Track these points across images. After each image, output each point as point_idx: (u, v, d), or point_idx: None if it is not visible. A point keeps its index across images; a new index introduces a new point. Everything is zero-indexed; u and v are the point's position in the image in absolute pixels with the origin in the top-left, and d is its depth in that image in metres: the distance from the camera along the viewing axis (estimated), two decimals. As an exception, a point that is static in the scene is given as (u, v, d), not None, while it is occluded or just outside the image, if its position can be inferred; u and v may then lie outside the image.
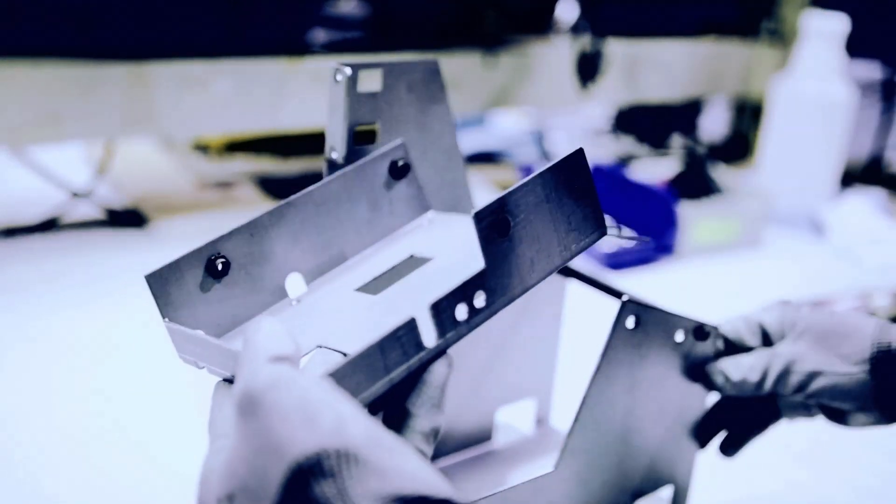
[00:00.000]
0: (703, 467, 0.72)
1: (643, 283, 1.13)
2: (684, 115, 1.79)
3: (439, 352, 0.46)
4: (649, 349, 0.61)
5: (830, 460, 0.80)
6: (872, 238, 1.33)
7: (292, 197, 0.57)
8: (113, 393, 0.84)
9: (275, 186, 1.43)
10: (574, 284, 0.73)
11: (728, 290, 1.18)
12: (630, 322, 0.59)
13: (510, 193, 0.47)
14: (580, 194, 0.50)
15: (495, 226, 0.46)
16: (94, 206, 1.27)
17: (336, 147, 0.60)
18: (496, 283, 0.47)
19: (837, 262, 1.29)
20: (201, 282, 0.53)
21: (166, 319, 0.52)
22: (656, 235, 1.23)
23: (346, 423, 0.37)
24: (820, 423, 0.65)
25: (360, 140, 0.61)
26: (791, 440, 0.81)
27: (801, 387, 0.61)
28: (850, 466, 0.79)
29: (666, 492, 0.68)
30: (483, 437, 0.77)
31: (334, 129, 0.59)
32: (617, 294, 0.65)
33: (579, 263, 0.73)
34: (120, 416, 0.81)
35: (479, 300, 0.47)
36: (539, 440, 0.78)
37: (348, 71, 0.57)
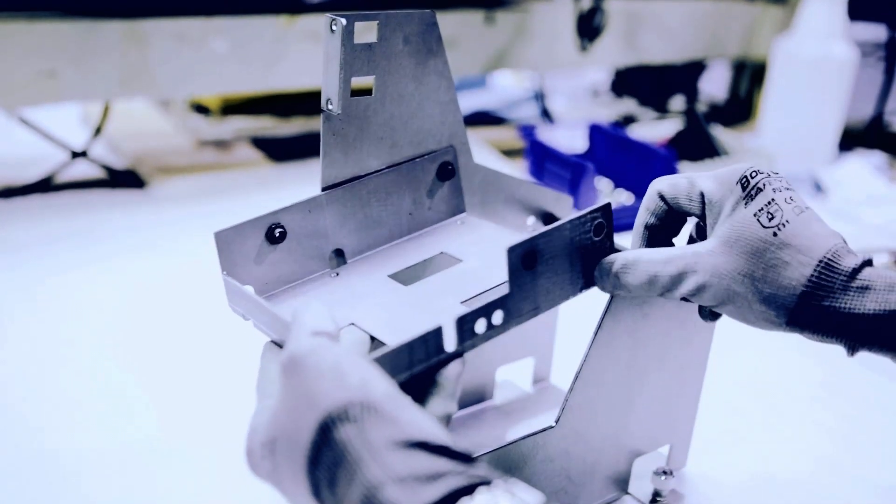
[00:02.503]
0: (730, 444, 0.72)
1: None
2: (685, 76, 1.78)
3: (456, 355, 0.52)
4: (651, 307, 0.61)
5: (857, 436, 0.80)
6: (872, 198, 1.32)
7: (349, 182, 0.63)
8: (113, 352, 0.84)
9: (273, 146, 1.43)
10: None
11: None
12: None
13: (542, 235, 0.53)
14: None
15: (524, 259, 0.53)
16: (93, 166, 1.26)
17: (332, 99, 0.59)
18: (514, 306, 0.54)
19: (837, 222, 1.29)
20: (260, 245, 0.60)
21: (224, 273, 0.58)
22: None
23: (369, 382, 0.44)
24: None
25: (356, 93, 0.60)
26: (820, 416, 0.81)
27: (702, 307, 0.57)
28: (875, 445, 0.79)
29: (665, 450, 0.69)
30: (484, 395, 0.77)
31: (330, 81, 0.59)
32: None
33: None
34: (121, 375, 0.81)
35: (497, 318, 0.54)
36: (539, 397, 0.78)
37: (343, 21, 0.57)
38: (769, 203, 0.52)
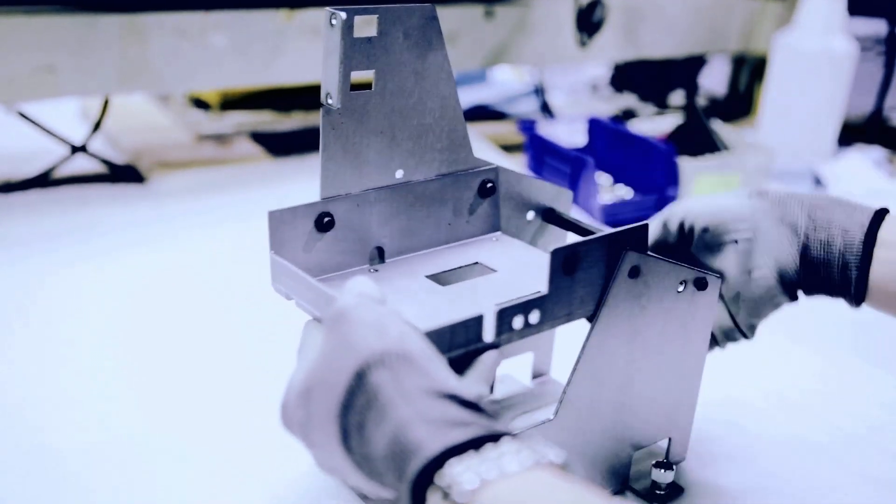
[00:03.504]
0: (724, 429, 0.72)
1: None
2: (685, 71, 1.78)
3: (492, 346, 0.55)
4: (649, 300, 0.61)
5: (856, 430, 0.80)
6: (871, 193, 1.32)
7: (398, 183, 0.66)
8: (113, 347, 0.84)
9: (272, 141, 1.43)
10: (573, 237, 0.73)
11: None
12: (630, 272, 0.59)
13: (584, 243, 0.57)
14: None
15: (566, 264, 0.56)
16: (92, 161, 1.26)
17: (332, 93, 0.59)
18: (550, 308, 0.57)
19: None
20: (308, 232, 0.62)
21: (272, 252, 0.60)
22: (656, 190, 1.23)
23: (406, 337, 0.47)
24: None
25: (356, 87, 0.60)
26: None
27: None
28: (873, 438, 0.79)
29: (664, 443, 0.69)
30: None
31: (330, 74, 0.59)
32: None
33: (578, 217, 0.73)
34: (120, 371, 0.81)
35: (534, 317, 0.56)
36: (539, 392, 0.78)
37: (343, 15, 0.56)
38: None
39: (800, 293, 0.64)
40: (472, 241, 0.71)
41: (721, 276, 0.64)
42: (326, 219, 0.62)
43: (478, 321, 0.54)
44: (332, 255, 0.64)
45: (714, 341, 0.67)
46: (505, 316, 0.54)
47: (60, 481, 0.65)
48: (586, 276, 0.58)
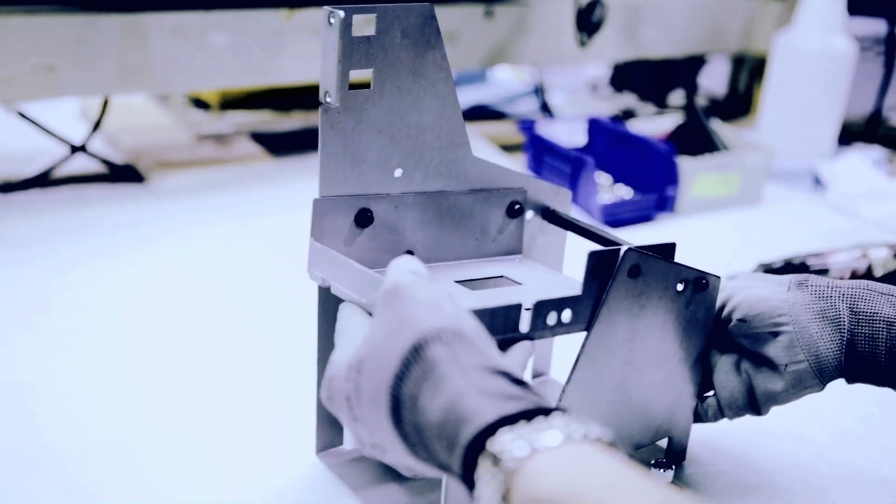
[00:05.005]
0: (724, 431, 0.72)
1: (642, 239, 1.13)
2: (685, 70, 1.78)
3: (524, 338, 0.57)
4: (649, 299, 0.61)
5: (857, 430, 0.80)
6: (871, 193, 1.32)
7: (434, 191, 0.67)
8: (113, 346, 0.84)
9: (272, 141, 1.43)
10: (573, 237, 0.73)
11: (728, 245, 1.17)
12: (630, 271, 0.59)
13: (653, 256, 0.60)
14: None
15: (633, 270, 0.59)
16: (92, 161, 1.26)
17: (330, 92, 0.59)
18: (582, 310, 0.59)
19: (837, 216, 1.29)
20: (349, 224, 0.63)
21: (313, 239, 0.62)
22: (656, 189, 1.23)
23: (462, 315, 0.49)
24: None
25: (354, 86, 0.60)
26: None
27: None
28: (874, 438, 0.79)
29: (664, 444, 0.69)
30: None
31: (328, 73, 0.59)
32: (616, 245, 0.65)
33: (578, 216, 0.73)
34: (121, 370, 0.81)
35: (566, 316, 0.59)
36: (538, 392, 0.78)
37: (342, 14, 0.56)
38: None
39: (840, 381, 0.65)
40: (496, 260, 0.72)
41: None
42: (367, 214, 0.64)
43: (517, 309, 0.56)
44: (368, 252, 0.65)
45: (720, 411, 0.67)
46: (541, 310, 0.57)
47: (62, 480, 0.65)
48: None
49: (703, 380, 0.67)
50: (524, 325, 0.57)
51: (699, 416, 0.68)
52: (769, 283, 0.65)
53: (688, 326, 0.65)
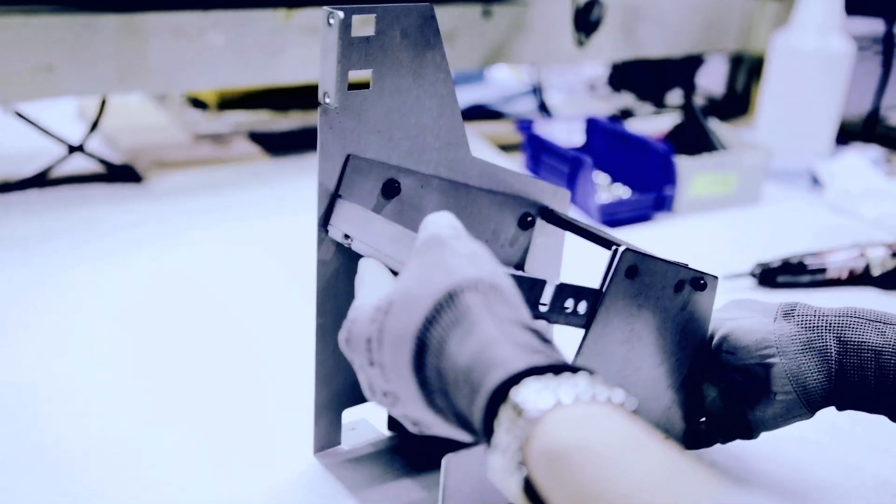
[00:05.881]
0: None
1: (640, 238, 1.13)
2: (683, 70, 1.78)
3: (540, 317, 0.57)
4: (647, 299, 0.61)
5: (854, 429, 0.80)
6: (869, 192, 1.32)
7: (459, 182, 0.67)
8: (112, 346, 0.84)
9: (270, 141, 1.43)
10: (571, 237, 0.73)
11: (726, 245, 1.17)
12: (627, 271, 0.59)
13: (651, 257, 0.61)
14: None
15: (630, 270, 0.60)
16: (89, 160, 1.26)
17: (329, 92, 0.59)
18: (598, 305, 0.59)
19: (835, 215, 1.29)
20: (377, 192, 0.64)
21: (340, 196, 0.62)
22: (654, 189, 1.23)
23: (499, 272, 0.50)
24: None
25: (353, 86, 0.60)
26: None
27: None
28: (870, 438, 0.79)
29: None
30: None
31: (327, 73, 0.59)
32: (614, 244, 0.65)
33: (576, 216, 0.73)
34: (120, 370, 0.81)
35: (582, 307, 0.59)
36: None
37: (341, 14, 0.56)
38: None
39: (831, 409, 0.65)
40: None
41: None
42: (395, 185, 0.64)
43: (541, 286, 0.56)
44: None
45: (713, 436, 0.68)
46: (562, 293, 0.57)
47: (59, 480, 0.65)
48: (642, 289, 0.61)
49: (695, 406, 0.68)
50: (546, 301, 0.57)
51: (693, 442, 0.69)
52: (755, 314, 0.65)
53: (686, 326, 0.65)
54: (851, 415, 0.79)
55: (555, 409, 0.40)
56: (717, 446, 0.72)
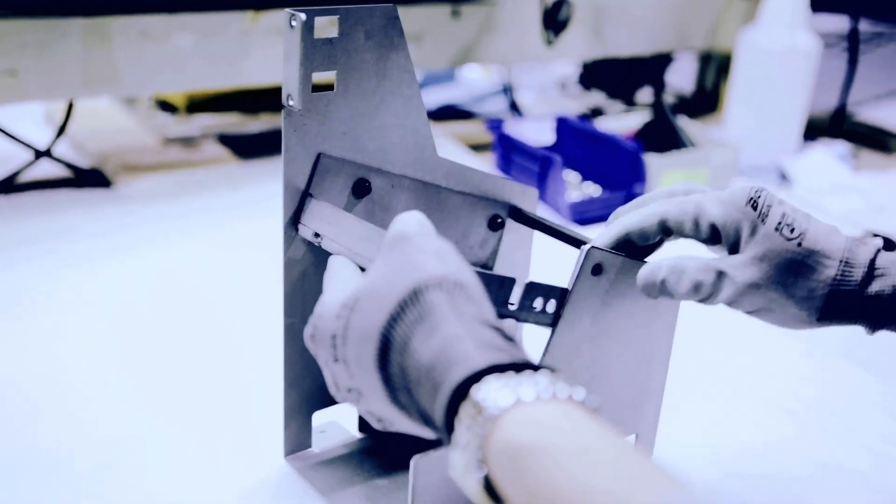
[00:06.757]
0: (691, 426, 0.73)
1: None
2: (652, 68, 1.79)
3: (508, 316, 0.57)
4: (613, 296, 0.62)
5: (827, 423, 0.80)
6: (836, 187, 1.34)
7: (429, 182, 0.67)
8: (79, 352, 0.84)
9: (240, 143, 1.42)
10: (539, 235, 0.73)
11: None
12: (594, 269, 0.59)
13: (617, 254, 0.60)
14: None
15: (597, 268, 0.59)
16: (57, 165, 1.25)
17: (293, 95, 0.59)
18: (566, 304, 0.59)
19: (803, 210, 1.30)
20: (347, 191, 0.64)
21: (311, 194, 0.62)
22: (624, 187, 1.23)
23: (465, 269, 0.50)
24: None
25: (317, 88, 0.60)
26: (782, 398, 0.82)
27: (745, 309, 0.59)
28: (839, 423, 0.80)
29: (631, 439, 0.69)
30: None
31: (290, 76, 0.59)
32: (581, 243, 0.65)
33: (547, 215, 0.73)
34: (92, 376, 0.80)
35: (551, 306, 0.59)
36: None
37: (303, 16, 0.56)
38: (783, 216, 0.57)
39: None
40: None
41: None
42: (366, 184, 0.64)
43: (511, 284, 0.57)
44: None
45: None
46: (530, 292, 0.58)
47: (48, 480, 0.65)
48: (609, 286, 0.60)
49: None
50: (514, 300, 0.57)
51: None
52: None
53: (654, 322, 0.65)
54: (825, 406, 0.80)
55: (514, 408, 0.40)
56: (698, 443, 0.73)
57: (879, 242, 0.58)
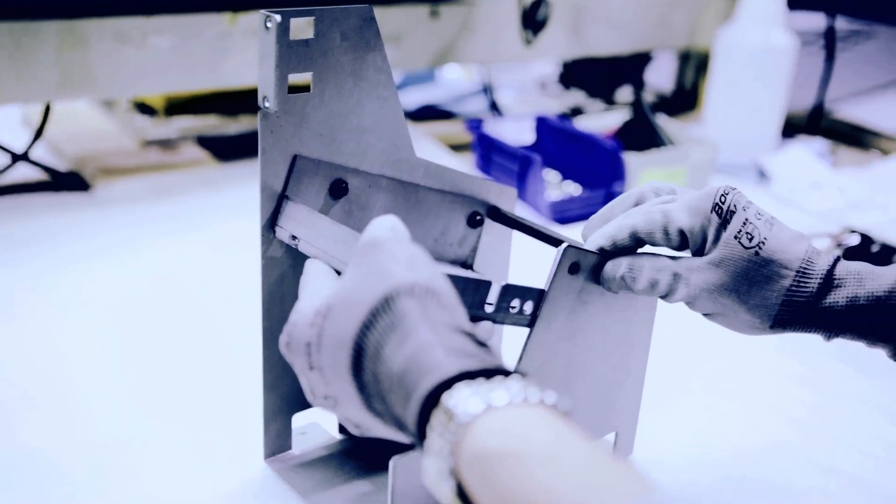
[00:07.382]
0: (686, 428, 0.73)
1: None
2: (632, 67, 1.79)
3: (486, 318, 0.57)
4: (590, 294, 0.62)
5: (809, 420, 0.80)
6: (814, 185, 1.34)
7: (407, 181, 0.67)
8: (58, 355, 0.83)
9: (219, 145, 1.41)
10: (517, 235, 0.73)
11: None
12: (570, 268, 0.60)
13: (593, 252, 0.60)
14: None
15: (573, 267, 0.59)
16: (34, 169, 1.24)
17: (269, 96, 0.59)
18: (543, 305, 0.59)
19: (781, 208, 1.31)
20: (324, 193, 0.64)
21: (287, 196, 0.62)
22: (603, 186, 1.24)
23: (437, 275, 0.50)
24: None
25: (293, 90, 0.60)
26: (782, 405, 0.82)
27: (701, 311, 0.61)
28: (837, 427, 0.80)
29: (611, 438, 0.69)
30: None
31: (266, 77, 0.59)
32: (559, 242, 0.66)
33: (522, 213, 0.73)
34: (68, 380, 0.80)
35: (528, 307, 0.59)
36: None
37: (278, 18, 0.56)
38: (744, 223, 0.57)
39: None
40: (448, 266, 0.71)
41: None
42: (343, 185, 0.64)
43: (487, 287, 0.57)
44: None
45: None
46: (507, 294, 0.58)
47: (31, 483, 0.65)
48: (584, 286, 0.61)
49: None
50: (490, 305, 0.57)
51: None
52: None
53: (631, 319, 0.65)
54: (807, 403, 0.81)
55: (485, 414, 0.41)
56: (683, 442, 0.73)
57: (838, 252, 0.58)
